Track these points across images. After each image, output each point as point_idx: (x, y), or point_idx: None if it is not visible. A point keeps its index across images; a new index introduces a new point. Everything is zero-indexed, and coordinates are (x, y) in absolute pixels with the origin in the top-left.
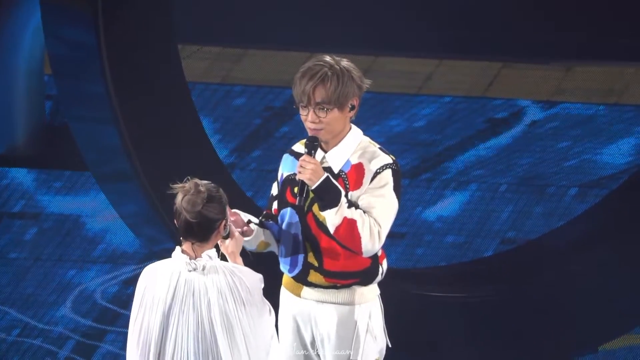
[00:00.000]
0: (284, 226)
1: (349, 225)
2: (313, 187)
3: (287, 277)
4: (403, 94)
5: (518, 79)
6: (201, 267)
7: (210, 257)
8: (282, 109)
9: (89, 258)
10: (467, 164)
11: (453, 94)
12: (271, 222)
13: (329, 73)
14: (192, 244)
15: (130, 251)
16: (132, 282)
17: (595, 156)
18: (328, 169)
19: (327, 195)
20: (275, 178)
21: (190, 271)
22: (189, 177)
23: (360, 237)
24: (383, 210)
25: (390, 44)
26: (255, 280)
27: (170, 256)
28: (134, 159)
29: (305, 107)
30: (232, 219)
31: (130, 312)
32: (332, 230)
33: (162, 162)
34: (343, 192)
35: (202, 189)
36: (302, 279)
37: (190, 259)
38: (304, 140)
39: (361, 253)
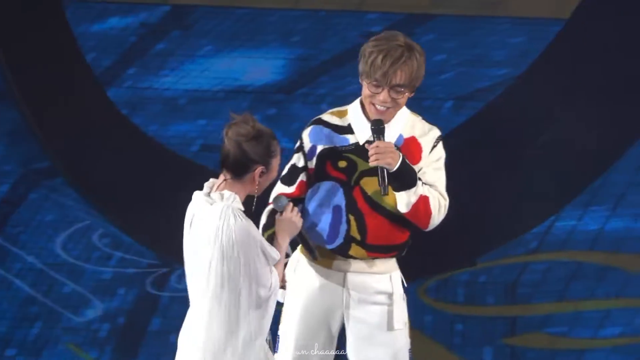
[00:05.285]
0: (321, 198)
1: (423, 202)
2: (393, 170)
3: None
4: (278, 9)
5: None
6: (211, 201)
7: (222, 196)
8: (157, 25)
9: None
10: (344, 78)
11: (328, 7)
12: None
13: (410, 56)
14: (225, 179)
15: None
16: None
17: (470, 69)
18: None
19: (406, 176)
20: (300, 149)
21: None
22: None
23: (431, 213)
24: (443, 184)
25: None
26: (244, 238)
27: None
28: (8, 76)
29: (378, 85)
30: None
31: None
32: (405, 209)
33: (37, 78)
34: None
35: (251, 124)
36: (342, 252)
37: (210, 190)
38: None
39: (425, 228)
